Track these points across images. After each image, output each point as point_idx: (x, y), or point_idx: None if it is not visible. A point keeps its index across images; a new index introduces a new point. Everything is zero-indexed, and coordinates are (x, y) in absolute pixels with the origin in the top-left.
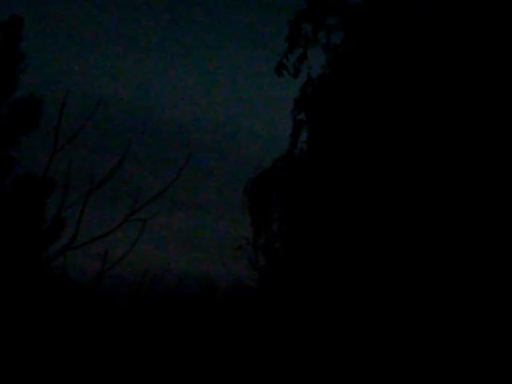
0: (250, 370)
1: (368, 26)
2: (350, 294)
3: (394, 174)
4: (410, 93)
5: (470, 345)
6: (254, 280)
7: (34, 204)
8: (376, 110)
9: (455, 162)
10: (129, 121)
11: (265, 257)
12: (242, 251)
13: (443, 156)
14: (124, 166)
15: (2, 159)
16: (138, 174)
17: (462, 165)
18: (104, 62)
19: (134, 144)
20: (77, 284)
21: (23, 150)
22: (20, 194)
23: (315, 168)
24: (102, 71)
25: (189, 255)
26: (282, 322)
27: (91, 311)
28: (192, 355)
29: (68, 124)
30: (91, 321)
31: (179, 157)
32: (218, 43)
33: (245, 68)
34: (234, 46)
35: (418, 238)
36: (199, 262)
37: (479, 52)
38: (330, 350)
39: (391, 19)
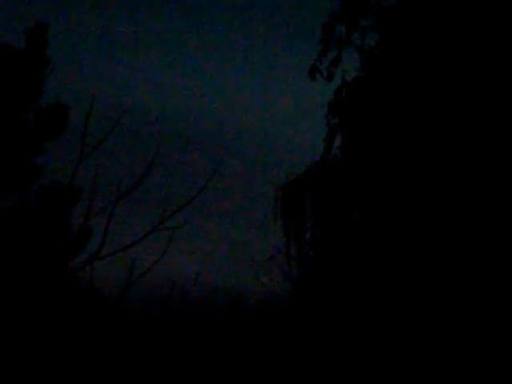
0: (282, 380)
1: (403, 28)
2: (389, 305)
3: (434, 179)
4: (449, 96)
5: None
6: (286, 291)
7: (59, 213)
8: (412, 113)
9: (494, 169)
10: (156, 127)
11: (298, 267)
12: (273, 261)
13: (485, 161)
14: (152, 174)
15: (27, 167)
16: (166, 182)
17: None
18: (131, 68)
19: (162, 151)
20: (103, 296)
21: (48, 158)
22: (45, 203)
23: (350, 174)
24: (128, 77)
25: (218, 266)
26: (315, 336)
27: (118, 323)
28: (222, 369)
29: (94, 131)
30: (118, 333)
31: (208, 164)
32: (247, 47)
33: (275, 72)
34: (264, 50)
35: (464, 246)
36: (229, 273)
37: None
38: (368, 363)
39: (427, 20)
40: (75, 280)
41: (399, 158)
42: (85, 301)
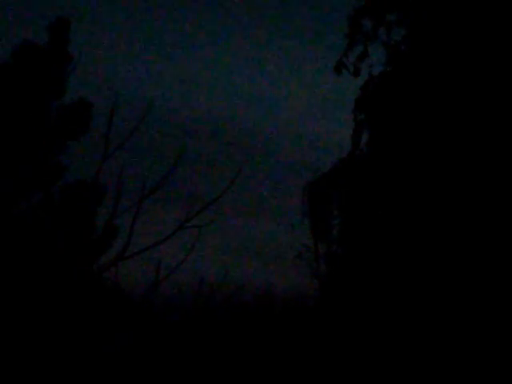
0: (310, 378)
1: (429, 22)
2: (417, 302)
3: (460, 174)
4: (478, 91)
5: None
6: (314, 289)
7: (84, 212)
8: (439, 108)
9: None
10: (182, 125)
11: (326, 264)
12: (301, 259)
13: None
14: (177, 172)
15: (50, 165)
16: (192, 180)
17: None
18: (155, 64)
19: (188, 149)
20: (129, 296)
21: (72, 156)
22: (70, 202)
23: (377, 170)
24: (152, 74)
25: (246, 263)
26: (343, 333)
27: (145, 323)
28: (251, 366)
29: (118, 128)
30: (145, 333)
31: (235, 161)
32: (272, 43)
33: (301, 68)
34: (289, 46)
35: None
36: (257, 271)
37: None
38: (397, 361)
39: (453, 13)
40: (101, 280)
41: (427, 153)
42: (110, 301)
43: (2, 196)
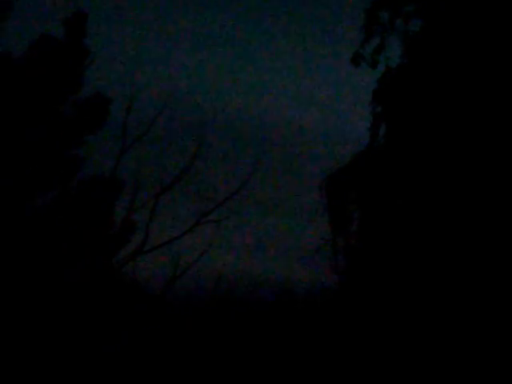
0: (330, 374)
1: (447, 13)
2: (438, 295)
3: (482, 165)
4: (497, 82)
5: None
6: (333, 282)
7: (102, 206)
8: (458, 100)
9: None
10: (199, 118)
11: (345, 258)
12: (320, 253)
13: None
14: (195, 166)
15: (67, 160)
16: (210, 175)
17: None
18: (172, 58)
19: (205, 143)
20: (147, 290)
21: (90, 150)
22: (87, 196)
23: (395, 163)
24: (169, 67)
25: (265, 258)
26: (363, 327)
27: (163, 318)
28: (271, 360)
29: (136, 122)
30: (164, 327)
31: (252, 156)
32: (287, 36)
33: (317, 61)
34: (305, 38)
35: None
36: (276, 265)
37: None
38: (418, 357)
39: (471, 4)
40: (120, 274)
41: (446, 144)
42: (129, 295)
43: (20, 190)
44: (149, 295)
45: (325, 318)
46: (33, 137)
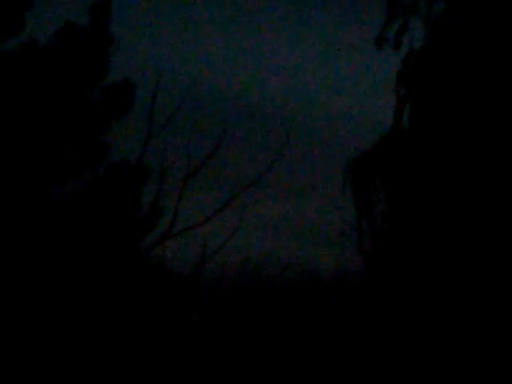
0: (357, 355)
1: None
2: (465, 277)
3: (507, 146)
4: None
5: None
6: (359, 265)
7: (130, 192)
8: (482, 81)
9: None
10: (225, 104)
11: (370, 240)
12: (345, 236)
13: None
14: (221, 151)
15: (94, 146)
16: (236, 159)
17: None
18: (197, 43)
19: (231, 128)
20: (177, 274)
21: (116, 136)
22: (114, 182)
23: (420, 144)
24: (195, 53)
25: (290, 242)
26: (389, 310)
27: (192, 302)
28: (298, 344)
29: (162, 108)
30: (192, 312)
31: (278, 140)
32: (311, 19)
33: (340, 44)
34: (328, 22)
35: None
36: (301, 249)
37: None
38: (445, 340)
39: None
40: (147, 259)
41: (469, 126)
42: (157, 280)
43: (47, 177)
44: (177, 278)
45: (350, 301)
46: (60, 124)
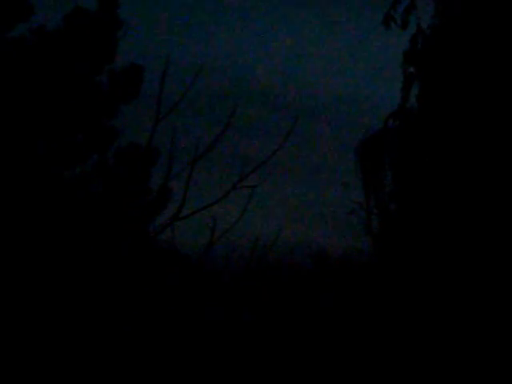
0: (368, 335)
1: None
2: (475, 258)
3: None
4: None
5: None
6: (367, 244)
7: (139, 175)
8: (491, 62)
9: None
10: (233, 86)
11: (378, 219)
12: (354, 215)
13: None
14: (230, 133)
15: (103, 130)
16: (244, 140)
17: None
18: (205, 27)
19: (240, 110)
20: (186, 255)
21: (125, 120)
22: (124, 165)
23: (428, 123)
24: (202, 36)
25: (300, 222)
26: (398, 289)
27: (202, 282)
28: (307, 325)
29: (170, 91)
30: (202, 293)
31: (287, 122)
32: (319, 4)
33: (348, 27)
34: (334, 3)
35: None
36: (311, 229)
37: None
38: (458, 316)
39: None
40: (157, 241)
41: (479, 105)
42: (168, 261)
43: (57, 161)
44: (187, 259)
45: (360, 280)
46: (69, 107)
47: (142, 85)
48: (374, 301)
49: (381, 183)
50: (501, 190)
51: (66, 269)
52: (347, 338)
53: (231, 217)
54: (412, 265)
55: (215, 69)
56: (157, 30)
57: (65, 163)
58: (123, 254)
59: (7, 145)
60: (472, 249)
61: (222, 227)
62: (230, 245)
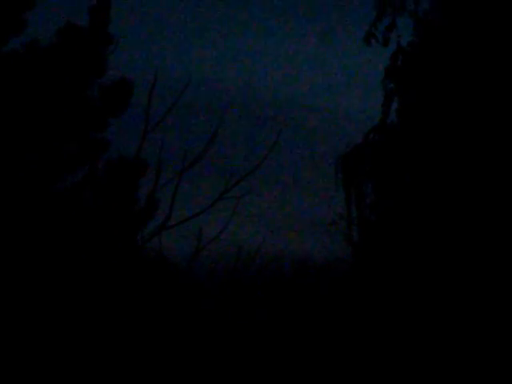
0: (346, 344)
1: None
2: (452, 268)
3: (492, 143)
4: (504, 62)
5: None
6: (348, 254)
7: (127, 185)
8: (467, 78)
9: None
10: (220, 99)
11: (358, 231)
12: (335, 226)
13: None
14: (216, 145)
15: (93, 142)
16: (230, 153)
17: None
18: (193, 42)
19: (226, 123)
20: (173, 264)
21: (114, 132)
22: (113, 176)
23: (407, 137)
24: (191, 50)
25: (282, 232)
26: (377, 297)
27: (188, 291)
28: (289, 332)
29: (158, 104)
30: (188, 300)
31: (271, 135)
32: (301, 16)
33: (329, 41)
34: (318, 18)
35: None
36: (293, 239)
37: None
38: (432, 329)
39: None
40: (145, 250)
41: (457, 120)
42: (155, 270)
43: (47, 171)
44: (174, 267)
45: (340, 288)
46: (61, 120)
47: (131, 98)
48: (353, 307)
49: (361, 195)
50: (478, 202)
51: (55, 277)
52: (325, 346)
53: (217, 226)
54: (391, 273)
55: (202, 82)
56: (146, 45)
57: (56, 174)
58: (112, 261)
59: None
60: (449, 257)
61: (208, 236)
62: (216, 253)
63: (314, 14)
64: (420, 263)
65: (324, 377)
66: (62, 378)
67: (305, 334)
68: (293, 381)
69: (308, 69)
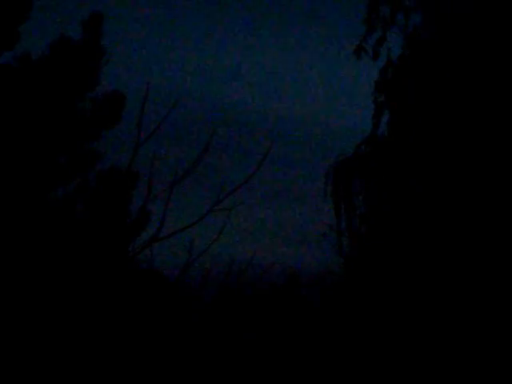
0: (338, 355)
1: (446, 7)
2: (444, 279)
3: (483, 155)
4: (494, 74)
5: None
6: (339, 266)
7: (119, 197)
8: (457, 91)
9: None
10: (211, 112)
11: (349, 242)
12: (326, 238)
13: None
14: (207, 158)
15: (85, 153)
16: (221, 165)
17: None
18: (185, 55)
19: (217, 135)
20: (164, 276)
21: (106, 145)
22: (105, 188)
23: (398, 150)
24: (182, 64)
25: (273, 244)
26: (368, 308)
27: (179, 302)
28: (279, 344)
29: (150, 116)
30: (179, 312)
31: (262, 147)
32: (291, 29)
33: (319, 54)
34: (307, 32)
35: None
36: (284, 251)
37: None
38: (424, 338)
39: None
40: (136, 262)
41: (446, 133)
42: (146, 281)
43: (40, 183)
44: (165, 279)
45: (332, 300)
46: (53, 133)
47: (124, 110)
48: (345, 319)
49: (352, 207)
50: (469, 212)
51: (45, 288)
52: (317, 357)
53: (208, 238)
54: (382, 285)
55: (194, 94)
56: (139, 57)
57: (48, 185)
58: (103, 273)
59: None
60: (441, 268)
61: (200, 248)
62: (207, 265)
63: (304, 28)
64: (411, 274)
65: None
66: None
67: (296, 346)
68: None
69: (299, 82)
